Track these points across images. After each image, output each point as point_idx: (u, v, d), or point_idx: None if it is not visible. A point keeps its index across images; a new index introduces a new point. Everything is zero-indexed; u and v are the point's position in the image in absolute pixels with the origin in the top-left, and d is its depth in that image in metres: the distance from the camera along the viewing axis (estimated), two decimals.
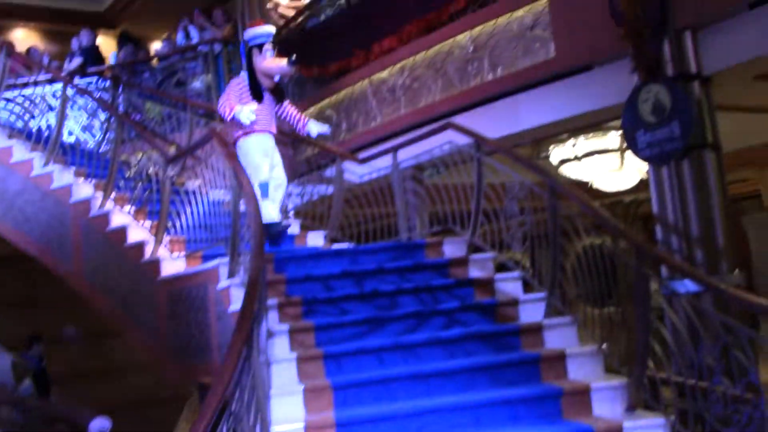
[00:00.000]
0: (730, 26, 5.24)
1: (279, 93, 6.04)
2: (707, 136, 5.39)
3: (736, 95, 6.31)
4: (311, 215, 7.34)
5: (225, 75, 10.61)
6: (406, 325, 4.79)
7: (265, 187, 5.82)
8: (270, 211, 5.79)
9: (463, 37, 6.99)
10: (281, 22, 10.34)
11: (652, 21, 5.32)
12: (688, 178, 5.37)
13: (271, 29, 6.00)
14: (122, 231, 6.33)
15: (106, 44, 13.34)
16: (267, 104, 5.93)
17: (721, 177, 5.45)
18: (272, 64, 5.82)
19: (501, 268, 5.57)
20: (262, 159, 5.84)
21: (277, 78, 5.93)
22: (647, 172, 5.78)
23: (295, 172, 8.09)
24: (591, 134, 7.94)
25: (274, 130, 6.02)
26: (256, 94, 5.85)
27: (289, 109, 6.12)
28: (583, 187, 9.15)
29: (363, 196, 6.91)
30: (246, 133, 5.84)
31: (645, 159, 5.53)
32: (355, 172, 7.06)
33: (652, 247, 4.04)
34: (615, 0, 5.47)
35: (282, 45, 9.92)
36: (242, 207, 4.99)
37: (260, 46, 5.85)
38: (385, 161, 6.65)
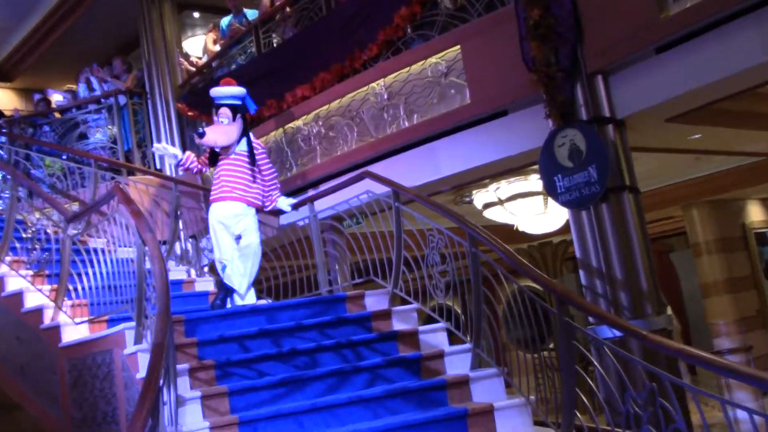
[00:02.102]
0: (639, 70, 5.44)
1: (250, 154, 5.99)
2: (624, 178, 5.56)
3: (650, 137, 6.53)
4: None
5: (131, 127, 10.46)
6: (326, 384, 4.72)
7: (223, 269, 5.87)
8: (234, 280, 5.86)
9: (377, 85, 7.07)
10: (192, 70, 10.28)
11: (563, 66, 5.48)
12: (608, 220, 5.50)
13: (223, 90, 6.11)
14: (18, 296, 6.11)
15: (3, 98, 13.00)
16: (234, 166, 5.92)
17: (641, 218, 5.61)
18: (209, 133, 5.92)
19: (429, 319, 5.57)
20: (220, 232, 5.83)
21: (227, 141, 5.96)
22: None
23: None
24: (513, 178, 8.10)
25: (243, 194, 5.89)
26: (210, 159, 6.06)
27: (264, 175, 6.05)
28: (509, 230, 9.32)
29: (280, 249, 6.84)
30: (210, 200, 5.92)
31: (564, 204, 5.65)
32: (271, 224, 7.00)
33: (570, 293, 4.09)
34: (526, 45, 5.62)
35: (191, 95, 9.90)
36: (148, 265, 4.87)
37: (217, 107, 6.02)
38: (302, 212, 6.61)
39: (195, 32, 12.53)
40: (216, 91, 6.12)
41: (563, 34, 5.53)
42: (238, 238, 5.93)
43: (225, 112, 5.97)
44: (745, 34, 4.90)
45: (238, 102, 6.06)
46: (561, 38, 5.53)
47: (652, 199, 9.36)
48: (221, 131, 5.95)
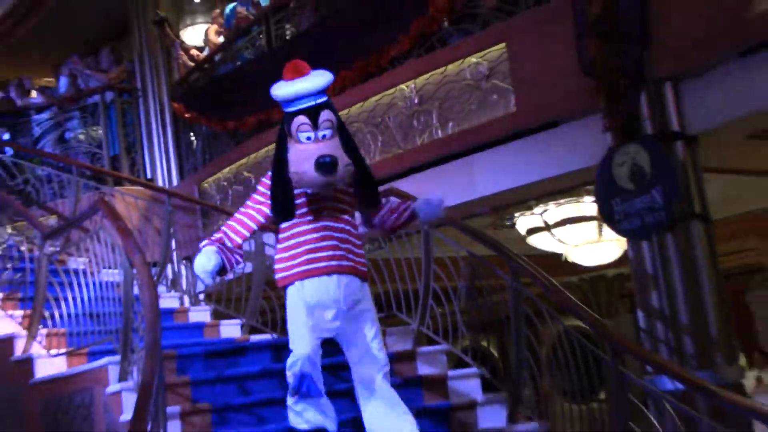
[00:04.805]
0: (718, 77, 5.46)
1: (368, 195, 4.25)
2: (694, 204, 5.59)
3: (727, 156, 6.55)
4: (226, 299, 7.30)
5: (119, 129, 10.60)
6: None
7: (304, 380, 4.18)
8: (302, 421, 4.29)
9: (406, 87, 7.16)
10: (191, 65, 10.42)
11: (627, 71, 5.53)
12: (674, 253, 5.54)
13: (299, 87, 4.00)
14: None
15: None
16: (326, 220, 4.13)
17: (712, 251, 5.63)
18: (300, 160, 3.93)
19: (460, 362, 5.61)
20: (306, 323, 4.14)
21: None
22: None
23: None
24: (563, 200, 8.13)
25: (351, 263, 4.17)
26: (281, 209, 4.09)
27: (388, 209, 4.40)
28: (556, 260, 9.33)
29: None
30: (285, 279, 4.21)
31: (622, 233, 5.70)
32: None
33: (625, 340, 4.14)
34: (583, 45, 5.68)
35: (189, 94, 10.04)
36: (136, 291, 4.97)
37: (291, 117, 4.03)
38: None
39: (195, 20, 12.70)
40: (294, 85, 4.03)
41: (628, 32, 5.57)
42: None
43: (329, 117, 4.01)
44: None
45: (325, 98, 4.11)
46: (625, 38, 5.58)
47: (727, 229, 9.31)
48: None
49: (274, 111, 8.25)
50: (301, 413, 4.26)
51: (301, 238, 4.10)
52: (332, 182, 3.96)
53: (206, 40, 10.53)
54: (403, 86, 7.21)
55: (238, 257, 4.25)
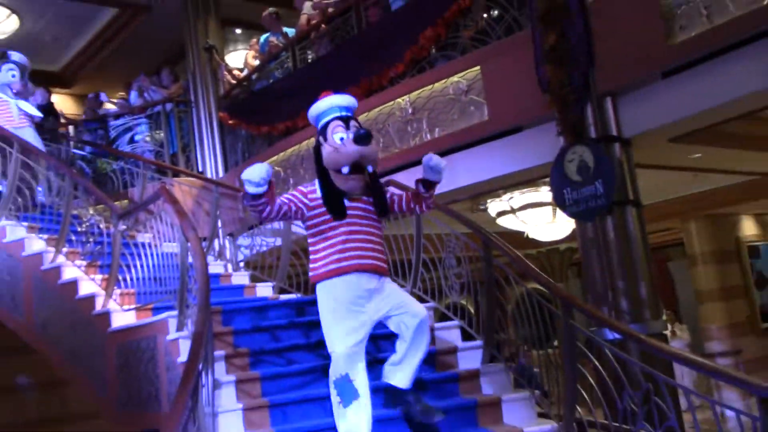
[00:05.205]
0: (646, 93, 5.46)
1: (376, 193, 3.88)
2: (629, 193, 5.57)
3: (654, 155, 6.53)
4: (260, 266, 7.29)
5: (176, 133, 10.58)
6: None
7: (344, 382, 3.73)
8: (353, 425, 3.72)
9: (402, 100, 7.12)
10: (233, 82, 10.37)
11: (575, 88, 5.49)
12: (612, 231, 5.52)
13: (335, 99, 3.83)
14: (73, 284, 6.19)
15: (62, 103, 13.17)
16: (358, 217, 3.81)
17: (643, 230, 5.61)
18: (335, 146, 3.67)
19: (444, 316, 5.59)
20: (345, 316, 3.75)
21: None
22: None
23: (245, 225, 8.06)
24: (525, 189, 8.12)
25: (378, 256, 3.85)
26: (334, 208, 3.75)
27: (397, 197, 4.07)
28: (520, 237, 9.32)
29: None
30: (319, 275, 3.81)
31: (572, 215, 5.66)
32: (302, 225, 7.04)
33: (573, 298, 4.12)
34: (542, 68, 5.64)
35: (232, 105, 9.99)
36: (190, 260, 4.94)
37: (326, 126, 3.76)
38: None
39: (237, 47, 12.68)
40: (319, 106, 3.85)
41: (576, 57, 5.52)
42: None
43: (356, 124, 3.79)
44: (746, 63, 4.92)
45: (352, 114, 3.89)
46: (574, 62, 5.53)
47: (654, 213, 9.32)
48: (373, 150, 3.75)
49: (298, 119, 8.22)
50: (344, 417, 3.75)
51: (330, 241, 3.77)
52: (366, 155, 3.64)
53: (245, 63, 10.47)
54: (399, 100, 7.17)
55: (269, 210, 3.70)
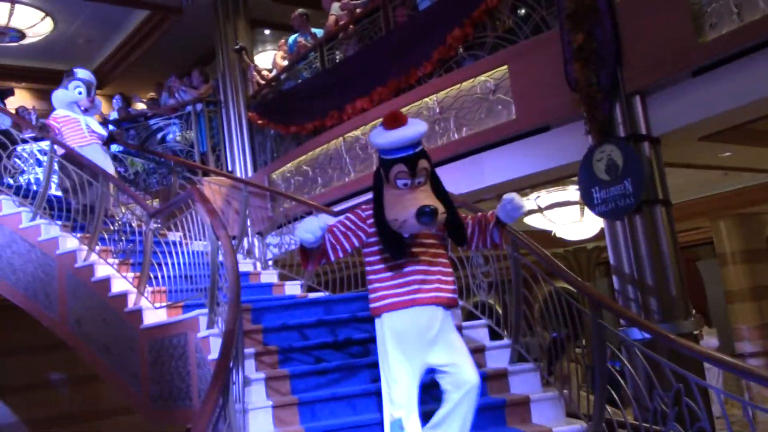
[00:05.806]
0: (675, 92, 5.39)
1: (456, 235, 3.64)
2: (658, 192, 5.51)
3: (683, 154, 6.46)
4: (289, 264, 7.33)
5: (207, 132, 10.66)
6: (377, 372, 4.74)
7: (396, 428, 3.59)
8: None
9: (430, 100, 7.10)
10: (262, 83, 10.42)
11: (604, 87, 5.45)
12: (641, 230, 5.46)
13: (404, 133, 3.46)
14: (106, 282, 6.26)
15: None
16: (421, 245, 3.61)
17: (672, 229, 5.55)
18: (400, 207, 3.39)
19: (471, 315, 5.57)
20: (398, 356, 3.59)
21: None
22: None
23: (274, 223, 8.09)
24: (553, 188, 8.06)
25: (442, 287, 3.61)
26: (392, 249, 3.49)
27: (475, 228, 3.75)
28: (547, 236, 9.26)
29: None
30: (378, 308, 3.64)
31: (600, 214, 5.61)
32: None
33: (603, 297, 4.07)
34: (570, 67, 5.60)
35: (261, 105, 10.04)
36: (221, 258, 4.97)
37: (390, 164, 3.45)
38: None
39: (265, 48, 12.72)
40: (395, 134, 3.47)
41: (605, 56, 5.49)
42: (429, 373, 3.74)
43: (425, 165, 3.49)
44: None
45: (421, 148, 3.56)
46: (602, 61, 5.50)
47: (683, 212, 9.23)
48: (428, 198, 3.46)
49: (326, 119, 8.24)
50: None
51: (389, 273, 3.57)
52: (430, 227, 3.45)
53: (274, 63, 10.50)
54: (427, 99, 7.15)
55: (324, 261, 3.65)
